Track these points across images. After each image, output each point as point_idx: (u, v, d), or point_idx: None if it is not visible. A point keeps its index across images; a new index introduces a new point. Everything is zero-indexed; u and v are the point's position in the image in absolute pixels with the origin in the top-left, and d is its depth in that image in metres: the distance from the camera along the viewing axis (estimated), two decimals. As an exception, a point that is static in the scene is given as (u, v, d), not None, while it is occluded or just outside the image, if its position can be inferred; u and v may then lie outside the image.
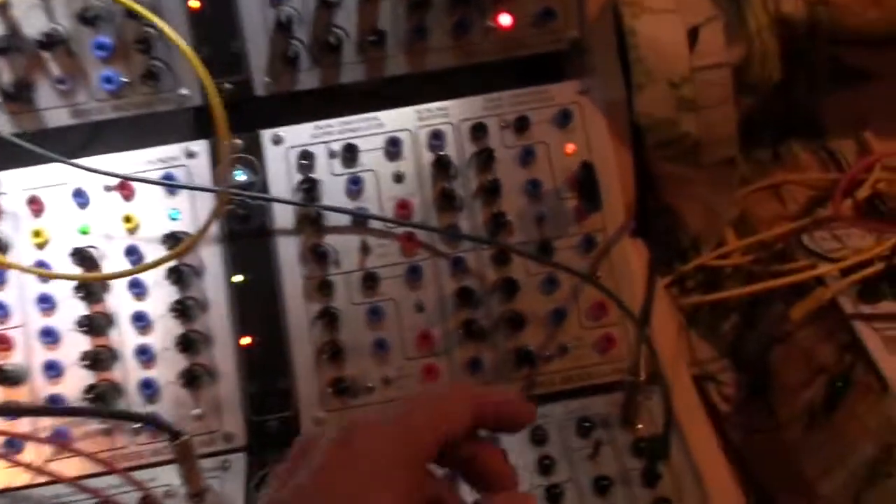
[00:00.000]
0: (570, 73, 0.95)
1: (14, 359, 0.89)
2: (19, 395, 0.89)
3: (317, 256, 0.89)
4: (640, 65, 0.87)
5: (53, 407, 0.89)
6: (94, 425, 0.88)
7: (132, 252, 0.90)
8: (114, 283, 0.90)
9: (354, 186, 0.90)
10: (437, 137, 0.92)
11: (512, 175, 0.91)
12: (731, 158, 0.89)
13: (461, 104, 0.93)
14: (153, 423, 0.81)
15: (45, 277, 0.89)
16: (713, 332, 0.99)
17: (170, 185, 0.90)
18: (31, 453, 0.88)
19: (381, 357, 0.89)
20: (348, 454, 0.53)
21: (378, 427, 0.54)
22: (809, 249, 0.96)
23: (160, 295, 0.90)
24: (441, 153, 0.91)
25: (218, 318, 0.90)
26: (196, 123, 0.95)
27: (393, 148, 0.91)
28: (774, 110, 1.03)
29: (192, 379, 0.88)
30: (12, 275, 0.90)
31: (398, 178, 0.91)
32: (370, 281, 0.89)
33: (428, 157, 0.92)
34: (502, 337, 0.89)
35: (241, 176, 0.91)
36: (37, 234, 0.90)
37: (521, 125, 0.91)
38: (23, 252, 0.90)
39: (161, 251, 0.89)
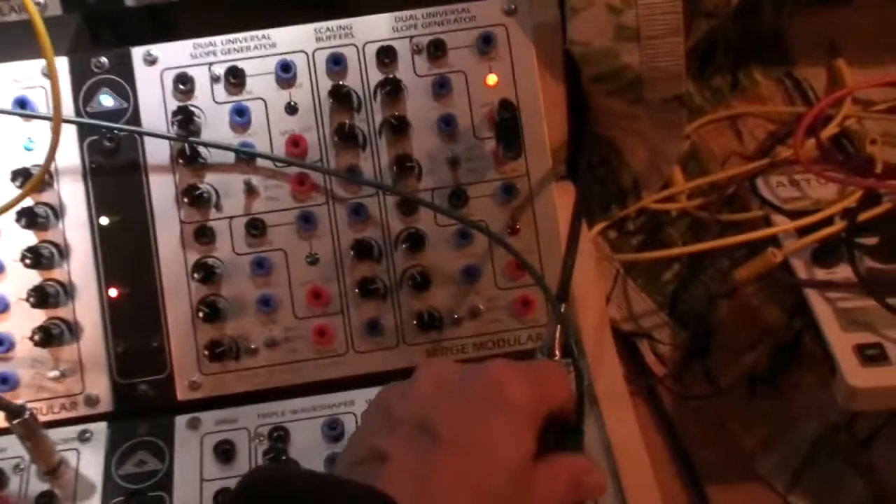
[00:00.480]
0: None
1: None
2: None
3: (195, 198, 0.77)
4: (577, -18, 0.74)
5: None
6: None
7: (-22, 187, 0.78)
8: (-44, 222, 0.78)
9: (240, 118, 0.77)
10: (336, 62, 0.78)
11: (423, 110, 0.78)
12: (678, 96, 0.77)
13: (366, 22, 0.79)
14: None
15: None
16: (652, 281, 0.88)
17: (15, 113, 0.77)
18: None
19: (266, 315, 0.78)
20: (500, 399, 0.57)
21: (524, 385, 0.57)
22: (763, 198, 0.84)
23: (12, 238, 0.77)
24: (341, 82, 0.78)
25: (80, 266, 0.78)
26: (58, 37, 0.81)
27: (285, 73, 0.78)
28: (734, 32, 0.90)
29: (48, 336, 0.76)
30: None
31: (291, 108, 0.78)
32: (256, 228, 0.77)
33: (326, 84, 0.78)
34: (406, 296, 0.78)
35: (107, 100, 0.78)
36: None
37: (436, 50, 0.78)
38: None
39: (12, 188, 0.77)
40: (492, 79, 0.78)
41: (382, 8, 0.79)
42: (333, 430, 0.74)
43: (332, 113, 0.78)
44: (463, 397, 0.57)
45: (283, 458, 0.73)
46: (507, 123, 0.74)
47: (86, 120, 0.77)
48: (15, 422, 0.69)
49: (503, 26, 0.79)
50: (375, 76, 0.78)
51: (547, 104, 0.79)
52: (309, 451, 0.74)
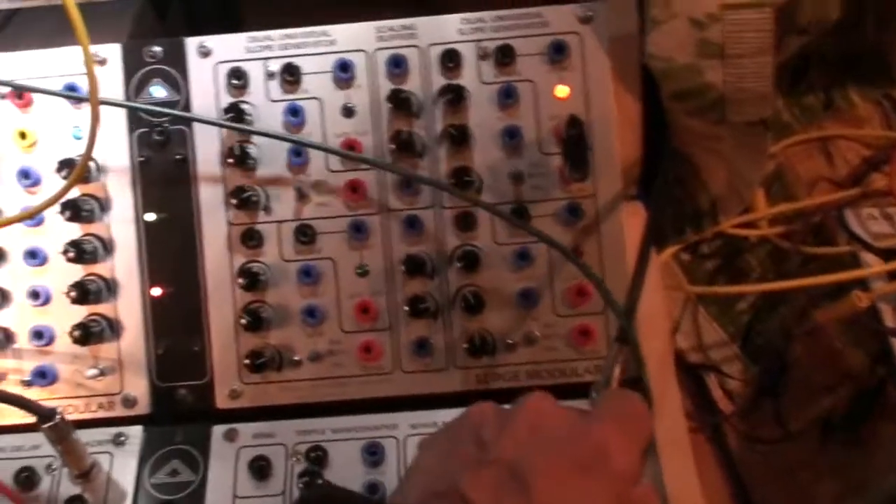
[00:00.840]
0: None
1: None
2: None
3: (243, 200, 0.73)
4: (659, -7, 0.68)
5: None
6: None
7: (27, 175, 0.75)
8: (4, 209, 0.75)
9: (294, 118, 0.73)
10: (397, 64, 0.73)
11: (486, 120, 0.73)
12: (763, 120, 0.70)
13: (432, 23, 0.74)
14: (18, 404, 0.67)
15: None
16: (725, 310, 0.83)
17: (66, 95, 0.74)
18: None
19: (311, 327, 0.74)
20: (605, 469, 0.52)
21: (631, 453, 0.53)
22: (852, 232, 0.78)
23: (57, 230, 0.75)
24: (401, 86, 0.74)
25: (124, 262, 0.75)
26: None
27: (343, 73, 0.73)
28: (830, 47, 0.83)
29: (88, 333, 0.74)
30: None
31: (347, 111, 0.73)
32: (305, 234, 0.73)
33: (385, 87, 0.73)
34: (458, 317, 0.73)
35: (158, 91, 0.75)
36: (-83, 141, 0.76)
37: (504, 56, 0.72)
38: None
39: (58, 178, 0.74)
40: (562, 90, 0.73)
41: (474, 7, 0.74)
42: (373, 454, 0.70)
43: (390, 118, 0.73)
44: (565, 455, 0.52)
45: (320, 481, 0.70)
46: (575, 142, 0.69)
47: (121, 102, 0.74)
48: (45, 426, 0.67)
49: (577, 34, 0.73)
50: (438, 81, 0.73)
51: (620, 120, 0.73)
52: (346, 474, 0.71)
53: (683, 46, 0.68)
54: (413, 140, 0.72)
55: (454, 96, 0.72)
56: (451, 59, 0.73)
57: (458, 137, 0.72)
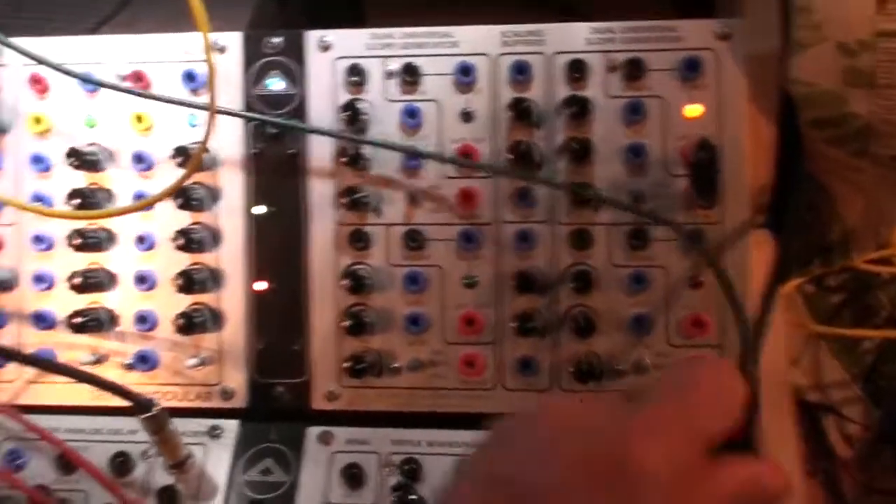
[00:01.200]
0: (721, 8, 0.71)
1: (3, 260, 0.77)
2: (6, 301, 0.78)
3: (354, 201, 0.71)
4: (808, 15, 0.63)
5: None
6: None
7: (141, 160, 0.74)
8: (117, 192, 0.76)
9: (411, 119, 0.71)
10: (521, 71, 0.70)
11: (610, 135, 0.70)
12: (911, 155, 0.66)
13: (559, 31, 0.71)
14: (118, 393, 0.67)
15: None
16: (850, 348, 0.78)
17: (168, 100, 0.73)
18: None
19: (414, 335, 0.72)
20: (627, 478, 0.43)
21: (663, 442, 0.44)
22: None
23: (167, 217, 0.75)
24: (523, 94, 0.71)
25: (231, 254, 0.74)
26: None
27: (465, 77, 0.71)
28: None
29: (191, 323, 0.73)
30: (8, 164, 0.76)
31: (466, 116, 0.71)
32: (414, 240, 0.71)
33: (507, 94, 0.71)
34: (566, 338, 0.71)
35: (276, 84, 0.74)
36: (37, 120, 0.76)
37: (634, 70, 0.69)
38: (22, 141, 0.76)
39: (171, 165, 0.73)
40: (693, 110, 0.69)
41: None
42: (467, 472, 0.69)
43: (509, 126, 0.71)
44: (579, 473, 0.44)
45: (412, 497, 0.68)
46: (705, 167, 0.65)
47: (235, 111, 0.73)
48: (143, 416, 0.67)
49: (713, 51, 0.69)
50: (562, 91, 0.70)
51: (753, 144, 0.69)
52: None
53: (829, 72, 0.64)
54: (531, 151, 0.69)
55: (578, 108, 0.69)
56: (577, 70, 0.70)
57: (580, 151, 0.69)
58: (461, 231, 0.71)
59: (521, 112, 0.70)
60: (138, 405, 0.67)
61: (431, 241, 0.72)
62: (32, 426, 0.73)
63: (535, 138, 0.70)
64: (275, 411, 0.74)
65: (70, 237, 0.74)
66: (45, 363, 0.74)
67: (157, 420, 0.68)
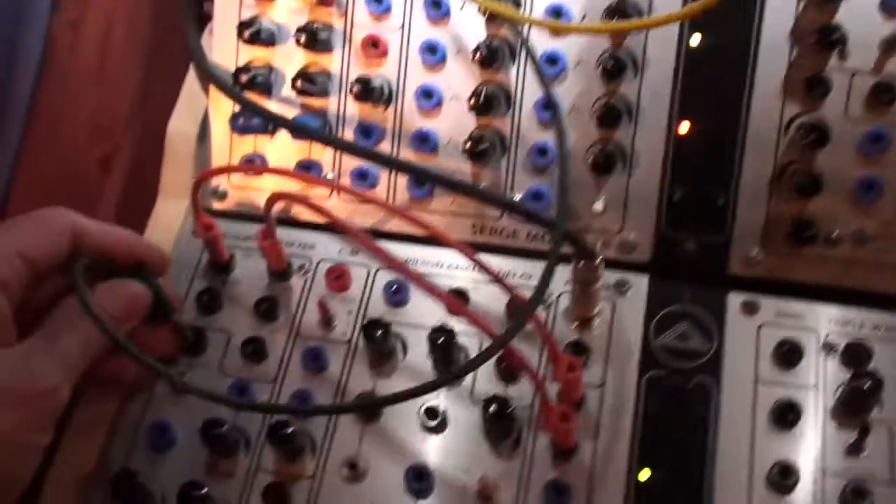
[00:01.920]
0: None
1: (384, 70, 0.69)
2: (385, 117, 0.69)
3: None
4: None
5: (417, 168, 0.67)
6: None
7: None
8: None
9: None
10: None
11: None
12: None
13: None
14: (560, 234, 0.58)
15: None
16: None
17: None
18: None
19: (865, 202, 0.63)
20: None
21: None
22: None
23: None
24: None
25: (653, 86, 0.65)
26: None
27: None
28: None
29: (606, 159, 0.65)
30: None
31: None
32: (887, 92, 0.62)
33: None
34: None
35: None
36: None
37: None
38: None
39: None
40: None
41: None
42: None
43: None
44: None
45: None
46: None
47: None
48: (581, 264, 0.59)
49: None
50: None
51: None
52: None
53: None
54: None
55: None
56: None
57: None
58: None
59: None
60: (584, 252, 0.59)
61: (905, 96, 0.62)
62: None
63: None
64: (680, 272, 0.66)
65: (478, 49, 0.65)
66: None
67: (596, 270, 0.60)
